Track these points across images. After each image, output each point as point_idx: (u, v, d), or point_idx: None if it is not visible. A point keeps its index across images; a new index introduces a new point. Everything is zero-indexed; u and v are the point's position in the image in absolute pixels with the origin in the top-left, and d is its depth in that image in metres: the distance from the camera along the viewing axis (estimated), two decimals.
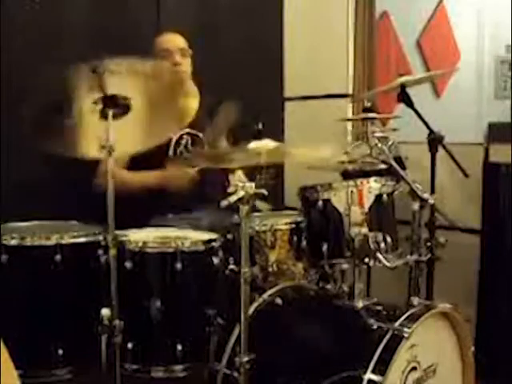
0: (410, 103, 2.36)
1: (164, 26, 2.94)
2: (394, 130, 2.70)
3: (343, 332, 1.93)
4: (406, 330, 1.76)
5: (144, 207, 2.51)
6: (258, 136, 1.88)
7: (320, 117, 3.32)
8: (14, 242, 1.91)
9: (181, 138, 2.66)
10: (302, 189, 2.11)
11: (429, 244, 2.30)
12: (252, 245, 2.09)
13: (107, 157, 1.84)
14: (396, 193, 2.08)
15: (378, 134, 2.24)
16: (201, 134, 2.71)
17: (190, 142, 2.69)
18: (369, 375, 1.71)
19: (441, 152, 2.39)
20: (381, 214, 2.03)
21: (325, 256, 2.04)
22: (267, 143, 1.86)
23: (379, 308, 1.97)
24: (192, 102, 2.01)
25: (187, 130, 2.66)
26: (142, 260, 1.97)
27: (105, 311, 1.85)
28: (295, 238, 2.20)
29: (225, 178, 2.48)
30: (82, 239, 1.98)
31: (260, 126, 1.86)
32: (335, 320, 2.00)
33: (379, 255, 1.92)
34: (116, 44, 2.78)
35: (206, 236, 2.07)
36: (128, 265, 1.95)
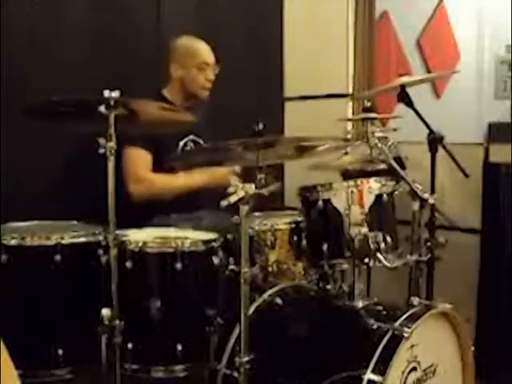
0: (409, 103, 2.36)
1: (164, 26, 2.94)
2: (394, 129, 2.69)
3: (343, 332, 1.93)
4: (406, 329, 1.76)
5: (145, 207, 2.51)
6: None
7: (320, 117, 3.31)
8: (14, 242, 1.91)
9: (185, 144, 2.65)
10: (301, 189, 2.11)
11: (429, 244, 2.29)
12: (252, 245, 2.09)
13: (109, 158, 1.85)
14: (396, 193, 2.08)
15: (378, 134, 2.24)
16: (201, 141, 2.71)
17: (193, 147, 2.68)
18: (369, 375, 1.71)
19: (441, 152, 2.39)
20: (381, 214, 2.02)
21: (325, 256, 2.04)
22: None
23: (379, 308, 1.97)
24: None
25: (191, 136, 2.66)
26: (142, 260, 1.97)
27: (105, 311, 1.85)
28: (295, 238, 2.20)
29: None
30: (82, 239, 1.98)
31: (260, 126, 1.86)
32: (335, 320, 2.00)
33: (379, 255, 1.92)
34: (116, 44, 2.79)
35: (206, 236, 2.07)
36: (128, 265, 1.95)
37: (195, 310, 2.01)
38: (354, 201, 1.98)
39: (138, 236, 2.05)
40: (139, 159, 2.53)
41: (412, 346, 1.81)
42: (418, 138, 2.47)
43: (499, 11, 4.33)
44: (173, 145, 2.59)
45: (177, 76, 2.68)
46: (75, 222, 2.17)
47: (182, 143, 2.64)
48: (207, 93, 2.71)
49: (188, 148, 2.65)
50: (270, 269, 2.17)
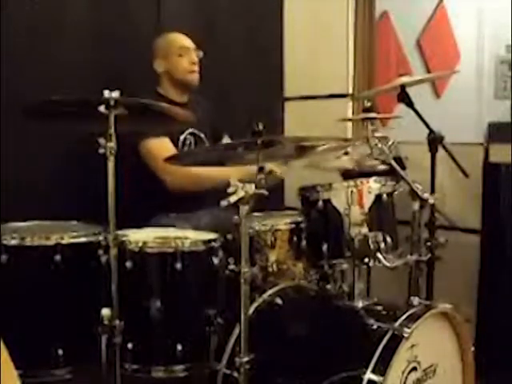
0: (409, 103, 2.36)
1: (164, 26, 2.94)
2: (394, 129, 2.70)
3: (343, 332, 1.93)
4: (405, 329, 1.76)
5: (145, 207, 2.51)
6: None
7: (320, 117, 3.31)
8: (14, 242, 1.91)
9: (185, 139, 2.65)
10: (301, 189, 2.11)
11: (429, 244, 2.30)
12: (252, 245, 2.09)
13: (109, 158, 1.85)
14: (396, 193, 2.08)
15: (378, 134, 2.24)
16: (202, 134, 2.71)
17: (193, 142, 2.69)
18: (369, 375, 1.71)
19: (441, 152, 2.39)
20: (381, 213, 2.02)
21: (325, 256, 2.04)
22: None
23: (379, 308, 1.97)
24: None
25: (190, 130, 2.66)
26: (142, 260, 1.97)
27: (105, 311, 1.85)
28: (295, 238, 2.20)
29: None
30: (82, 239, 1.98)
31: (260, 126, 1.85)
32: (335, 320, 2.00)
33: (379, 255, 1.92)
34: (116, 44, 2.79)
35: (206, 236, 2.07)
36: (128, 265, 1.95)
37: (195, 310, 2.01)
38: (353, 201, 1.99)
39: (138, 236, 2.05)
40: (165, 148, 2.47)
41: (412, 346, 1.81)
42: (418, 138, 2.47)
43: (499, 11, 4.32)
44: (173, 140, 2.59)
45: (163, 69, 2.67)
46: (75, 222, 2.17)
47: (182, 138, 2.64)
48: (196, 77, 2.68)
49: (188, 142, 2.65)
50: (269, 269, 2.17)
